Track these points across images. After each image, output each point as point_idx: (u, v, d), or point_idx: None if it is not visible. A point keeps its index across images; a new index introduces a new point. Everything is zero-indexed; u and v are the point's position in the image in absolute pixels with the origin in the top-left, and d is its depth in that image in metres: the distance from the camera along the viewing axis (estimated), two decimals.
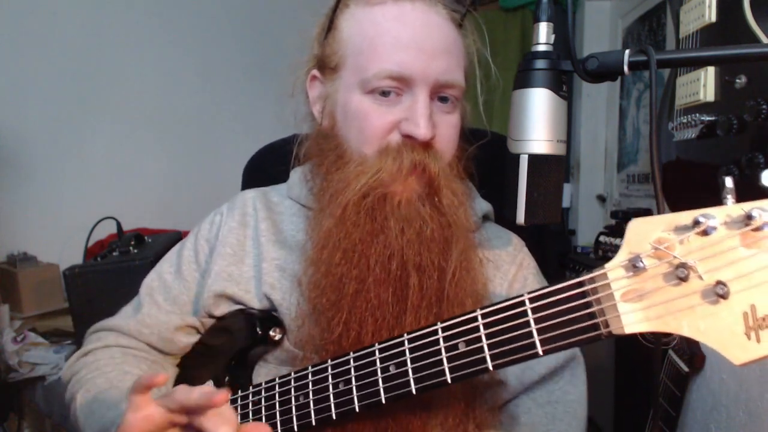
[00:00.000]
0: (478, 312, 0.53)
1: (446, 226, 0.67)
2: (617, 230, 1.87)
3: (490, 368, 0.51)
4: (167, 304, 0.82)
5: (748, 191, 0.87)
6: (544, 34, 0.61)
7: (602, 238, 1.92)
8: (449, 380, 0.54)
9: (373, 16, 0.69)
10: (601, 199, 2.72)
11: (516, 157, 0.62)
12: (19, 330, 1.84)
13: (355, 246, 0.66)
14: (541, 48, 0.61)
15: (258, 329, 0.73)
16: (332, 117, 0.74)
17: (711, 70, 0.95)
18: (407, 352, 0.56)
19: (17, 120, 2.12)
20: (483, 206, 0.81)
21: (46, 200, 2.19)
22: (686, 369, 1.18)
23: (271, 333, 0.73)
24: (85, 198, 2.26)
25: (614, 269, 0.46)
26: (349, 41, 0.71)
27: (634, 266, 0.45)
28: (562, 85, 0.61)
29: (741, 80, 0.88)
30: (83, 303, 1.43)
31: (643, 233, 0.45)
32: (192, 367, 0.83)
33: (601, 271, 0.47)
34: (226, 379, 0.75)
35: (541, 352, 0.49)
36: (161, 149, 2.54)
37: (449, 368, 0.54)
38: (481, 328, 0.52)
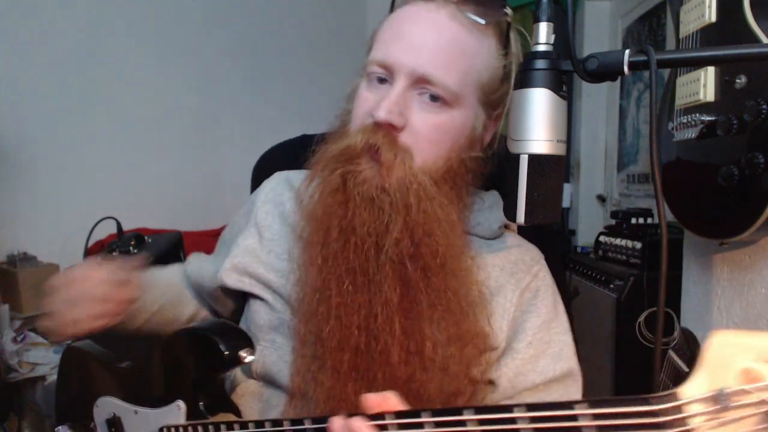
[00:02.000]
0: (517, 412, 0.44)
1: (390, 208, 0.68)
2: (617, 230, 1.88)
3: None
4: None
5: (748, 191, 0.88)
6: (544, 34, 0.61)
7: (602, 238, 1.92)
8: None
9: (394, 14, 0.75)
10: (601, 199, 2.73)
11: (516, 157, 0.62)
12: (19, 330, 1.84)
13: (321, 215, 0.70)
14: (541, 48, 0.61)
15: (224, 350, 0.67)
16: (352, 102, 0.79)
17: (711, 70, 0.95)
18: None
19: (17, 120, 2.12)
20: (503, 217, 0.81)
21: (46, 200, 2.19)
22: (686, 369, 1.18)
23: (242, 354, 0.68)
24: (85, 198, 2.26)
25: (693, 402, 0.38)
26: (374, 36, 0.77)
27: (716, 400, 0.38)
28: (562, 85, 0.61)
29: (741, 80, 0.88)
30: None
31: (728, 358, 0.38)
32: (156, 384, 0.78)
33: (676, 402, 0.39)
34: (201, 404, 0.71)
35: None
36: (161, 149, 2.54)
37: None
38: None
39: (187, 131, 2.63)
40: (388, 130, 0.68)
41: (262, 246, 0.81)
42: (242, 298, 0.84)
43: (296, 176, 0.87)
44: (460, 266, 0.71)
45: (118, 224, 1.89)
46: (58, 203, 2.21)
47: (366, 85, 0.73)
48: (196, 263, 0.93)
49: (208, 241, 2.11)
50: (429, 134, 0.70)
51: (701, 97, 0.95)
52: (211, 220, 2.48)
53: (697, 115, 0.98)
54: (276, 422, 0.62)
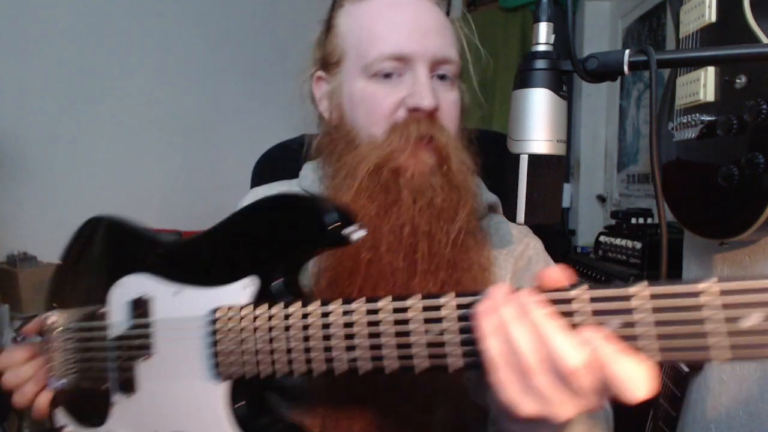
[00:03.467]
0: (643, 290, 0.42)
1: (455, 190, 0.70)
2: (617, 230, 1.87)
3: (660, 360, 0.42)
4: None
5: (748, 191, 0.88)
6: (544, 34, 0.61)
7: (602, 238, 1.92)
8: None
9: (367, 7, 0.75)
10: (601, 199, 2.72)
11: (516, 157, 0.62)
12: (19, 330, 1.84)
13: (371, 218, 0.69)
14: (541, 48, 0.61)
15: (324, 219, 0.55)
16: (339, 109, 0.77)
17: (711, 70, 0.95)
18: None
19: (17, 120, 2.12)
20: (489, 197, 0.83)
21: (46, 200, 2.19)
22: (686, 369, 1.18)
23: (350, 230, 0.55)
24: (85, 198, 2.26)
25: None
26: (348, 34, 0.75)
27: None
28: (562, 85, 0.61)
29: (741, 80, 0.88)
30: None
31: None
32: (218, 259, 0.66)
33: None
34: (273, 283, 0.59)
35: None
36: (161, 149, 2.54)
37: None
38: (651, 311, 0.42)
39: (187, 131, 2.63)
40: (432, 114, 0.71)
41: None
42: None
43: (275, 188, 0.87)
44: (475, 240, 0.74)
45: None
46: (58, 203, 2.21)
47: (372, 84, 0.72)
48: None
49: None
50: (452, 112, 0.74)
51: (701, 97, 0.96)
52: (211, 220, 2.48)
53: (697, 115, 0.98)
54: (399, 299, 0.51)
